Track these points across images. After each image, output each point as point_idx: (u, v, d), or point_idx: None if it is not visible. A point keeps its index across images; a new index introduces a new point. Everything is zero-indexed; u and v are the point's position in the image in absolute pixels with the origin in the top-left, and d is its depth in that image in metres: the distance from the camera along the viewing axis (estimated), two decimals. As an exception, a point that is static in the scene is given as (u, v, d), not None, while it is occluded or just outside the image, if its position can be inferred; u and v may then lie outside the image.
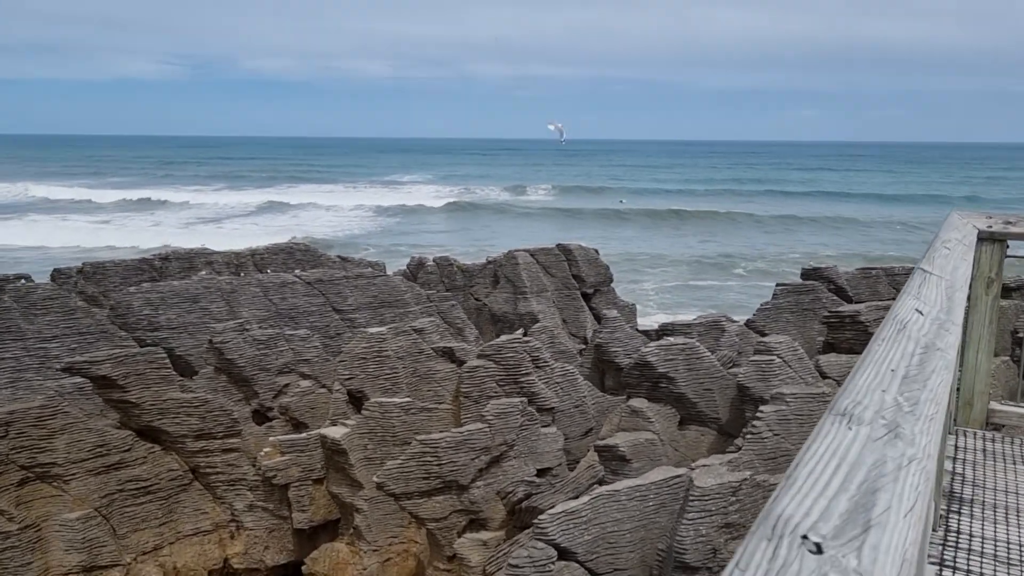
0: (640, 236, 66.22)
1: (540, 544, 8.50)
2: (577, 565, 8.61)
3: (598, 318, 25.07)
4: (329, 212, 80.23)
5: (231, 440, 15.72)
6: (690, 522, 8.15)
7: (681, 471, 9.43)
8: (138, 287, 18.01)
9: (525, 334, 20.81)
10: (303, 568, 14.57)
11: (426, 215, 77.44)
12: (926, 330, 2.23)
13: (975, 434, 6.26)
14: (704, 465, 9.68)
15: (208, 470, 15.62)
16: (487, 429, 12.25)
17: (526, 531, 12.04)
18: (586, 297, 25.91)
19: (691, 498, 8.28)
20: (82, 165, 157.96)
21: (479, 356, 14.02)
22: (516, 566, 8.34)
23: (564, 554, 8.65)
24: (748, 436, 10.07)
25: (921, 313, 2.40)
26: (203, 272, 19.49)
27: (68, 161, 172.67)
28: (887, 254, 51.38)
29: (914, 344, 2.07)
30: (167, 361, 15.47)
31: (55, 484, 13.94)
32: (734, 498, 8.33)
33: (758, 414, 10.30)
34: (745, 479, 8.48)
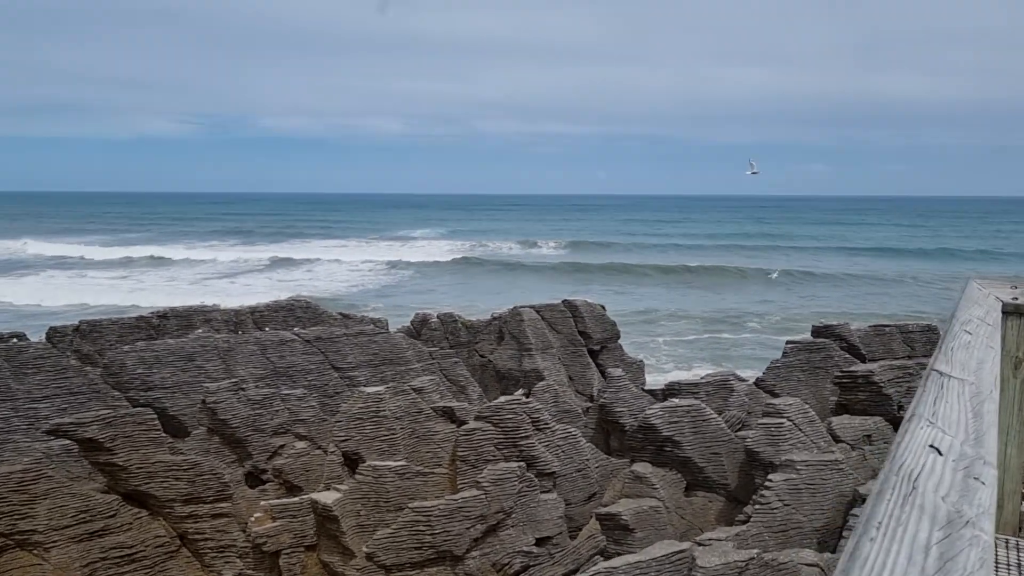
0: (652, 292, 65.82)
1: (532, 627, 7.90)
2: (573, 650, 7.99)
3: (605, 375, 24.53)
4: (340, 267, 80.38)
5: (221, 504, 15.15)
6: (693, 606, 7.56)
7: (685, 545, 8.84)
8: (132, 346, 17.68)
9: (529, 393, 20.28)
10: (292, 642, 13.85)
11: (436, 270, 77.44)
12: (947, 487, 1.56)
13: (1007, 543, 5.35)
14: (709, 540, 9.08)
15: (196, 536, 15.02)
16: (483, 496, 11.67)
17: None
18: (593, 354, 25.39)
19: (694, 578, 7.71)
20: (93, 221, 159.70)
21: (476, 418, 13.51)
22: (507, 652, 7.73)
23: (558, 638, 8.04)
24: (757, 507, 9.48)
25: (939, 452, 1.73)
26: (199, 330, 19.15)
27: (79, 218, 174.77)
28: (901, 312, 50.59)
29: (929, 524, 1.40)
30: (156, 422, 15.02)
31: (35, 552, 13.39)
32: (740, 578, 7.76)
33: (767, 483, 9.73)
34: (752, 558, 7.89)
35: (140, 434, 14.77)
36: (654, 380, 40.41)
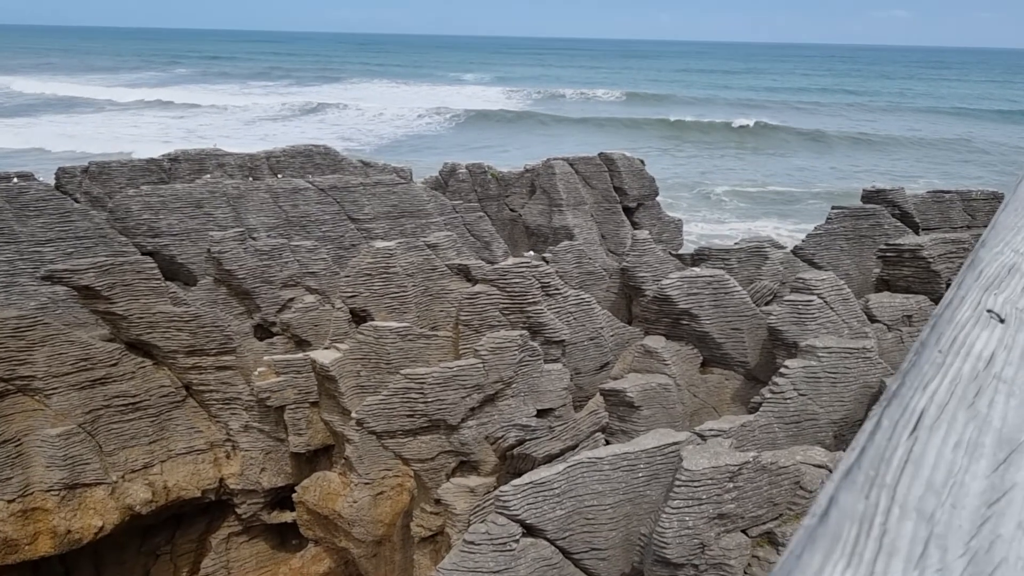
0: (705, 150, 62.96)
1: (502, 520, 7.26)
2: (547, 543, 7.38)
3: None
4: (381, 113, 78.23)
5: (225, 357, 14.85)
6: (675, 511, 6.77)
7: (681, 436, 8.00)
8: (138, 190, 16.98)
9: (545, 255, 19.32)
10: (293, 496, 13.81)
11: (483, 120, 74.84)
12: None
13: None
14: (710, 431, 8.20)
15: (202, 387, 14.84)
16: (480, 365, 10.93)
17: (530, 472, 10.85)
18: (628, 211, 24.10)
19: (678, 483, 6.88)
20: (104, 57, 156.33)
21: (481, 281, 12.62)
22: (472, 543, 7.15)
23: (532, 530, 7.41)
24: (768, 395, 8.53)
25: (1000, 319, 1.06)
26: (208, 176, 18.33)
27: (87, 53, 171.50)
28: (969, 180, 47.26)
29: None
30: (156, 271, 14.51)
31: (36, 398, 13.32)
32: (731, 484, 6.89)
33: (782, 370, 8.73)
34: (747, 462, 7.00)
35: (140, 283, 14.30)
36: (712, 231, 39.17)
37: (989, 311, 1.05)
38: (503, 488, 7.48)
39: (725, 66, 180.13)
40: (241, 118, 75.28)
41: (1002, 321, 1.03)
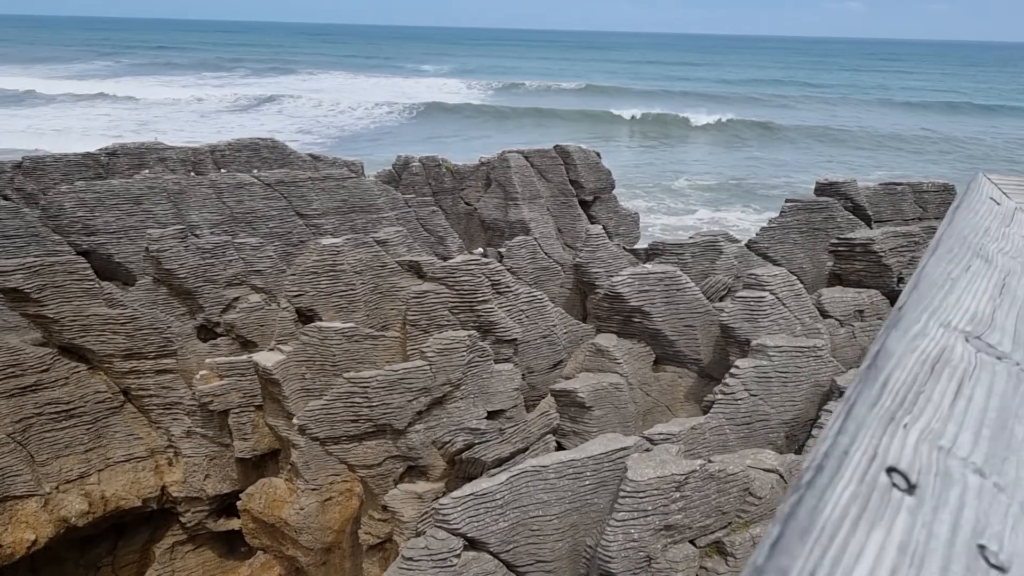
0: (663, 143, 63.13)
1: (441, 534, 6.93)
2: (490, 557, 7.07)
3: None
4: (337, 105, 77.05)
5: (165, 360, 14.27)
6: (619, 523, 6.50)
7: (629, 442, 7.74)
8: (72, 186, 16.26)
9: (491, 253, 19.00)
10: (238, 504, 13.32)
11: (440, 112, 74.12)
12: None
13: None
14: (659, 435, 7.94)
15: (141, 392, 14.26)
16: (427, 367, 10.57)
17: (471, 483, 10.53)
18: (585, 205, 23.86)
19: (622, 494, 6.61)
20: (49, 48, 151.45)
21: (429, 279, 12.24)
22: (411, 559, 6.80)
23: (474, 544, 7.09)
24: (719, 397, 8.30)
25: (908, 485, 0.61)
26: (146, 171, 17.64)
27: (32, 43, 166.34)
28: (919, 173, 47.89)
29: None
30: (90, 272, 13.87)
31: (-39, 407, 12.64)
32: (678, 494, 6.64)
33: (732, 370, 8.51)
34: (694, 471, 6.75)
35: (72, 284, 13.66)
36: (677, 222, 39.12)
37: (891, 470, 0.64)
38: (442, 501, 7.14)
39: (684, 58, 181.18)
40: (197, 110, 73.51)
41: (910, 490, 0.63)
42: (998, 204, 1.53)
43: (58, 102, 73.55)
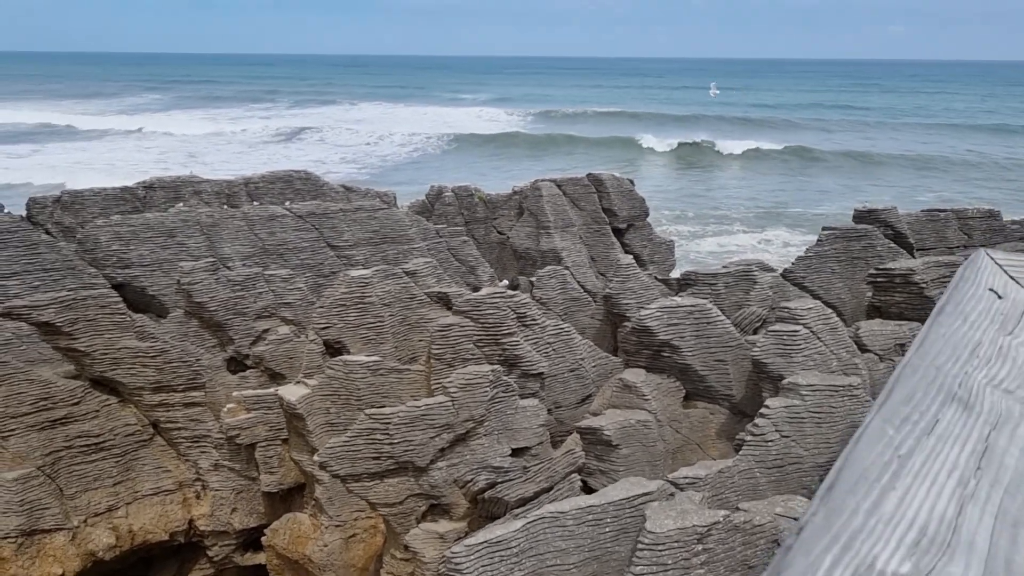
0: (699, 171, 62.68)
1: (453, 584, 6.67)
2: (504, 607, 6.79)
3: (632, 256, 22.79)
4: (378, 136, 77.98)
5: (193, 393, 14.30)
6: (637, 577, 6.19)
7: (652, 486, 7.42)
8: (108, 220, 16.51)
9: (523, 283, 18.82)
10: (262, 539, 13.20)
11: (480, 141, 74.53)
12: None
13: None
14: (684, 479, 7.61)
15: (169, 425, 14.29)
16: (449, 403, 10.36)
17: (495, 521, 10.26)
18: (618, 233, 23.58)
19: (641, 546, 6.29)
20: (99, 84, 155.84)
21: (455, 312, 12.07)
22: (422, 608, 6.55)
23: (487, 593, 6.83)
24: (749, 438, 7.94)
25: None
26: (180, 204, 17.85)
27: (83, 79, 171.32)
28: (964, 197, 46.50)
29: None
30: (122, 305, 14.00)
31: (-8, 440, 12.76)
32: (700, 547, 6.30)
33: (763, 410, 8.15)
34: (717, 522, 6.40)
35: (103, 318, 13.79)
36: (721, 243, 38.63)
37: None
38: (454, 549, 6.90)
39: (729, 82, 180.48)
40: (244, 140, 75.06)
41: None
42: (1000, 298, 1.20)
43: (110, 136, 75.65)
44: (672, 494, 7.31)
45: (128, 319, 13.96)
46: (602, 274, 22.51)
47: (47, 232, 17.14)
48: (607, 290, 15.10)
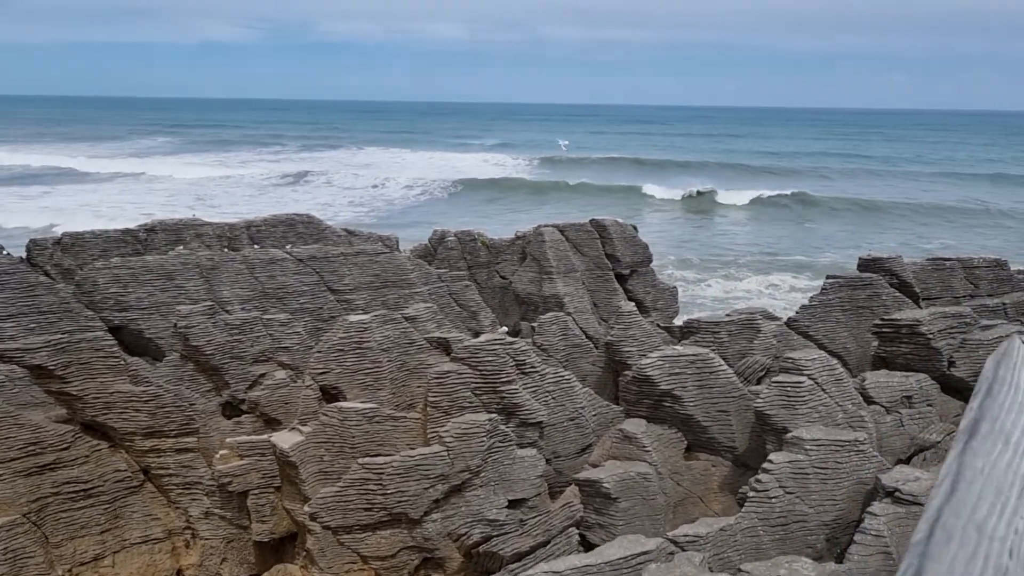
0: (704, 218, 62.78)
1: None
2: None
3: (635, 302, 22.60)
4: (385, 180, 78.46)
5: (186, 439, 14.03)
6: (633, 644, 5.89)
7: (651, 544, 7.13)
8: (106, 262, 16.43)
9: (514, 331, 18.62)
10: (252, 591, 12.82)
11: (485, 187, 74.91)
12: None
13: None
14: (684, 537, 7.31)
15: (160, 471, 14.00)
16: (444, 453, 10.10)
17: (490, 576, 9.94)
18: (621, 279, 23.42)
19: (635, 611, 6.02)
20: (109, 127, 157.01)
21: (453, 359, 11.87)
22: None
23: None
24: (751, 495, 7.67)
25: None
26: (181, 247, 17.79)
27: (93, 123, 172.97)
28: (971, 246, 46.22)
29: None
30: (116, 349, 13.83)
31: (-21, 486, 12.49)
32: (699, 611, 6.04)
33: (766, 465, 7.89)
34: (716, 584, 6.13)
35: (97, 361, 13.61)
36: (727, 289, 38.42)
37: None
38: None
39: (729, 129, 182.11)
40: (252, 183, 75.57)
41: None
42: None
43: (120, 179, 76.20)
44: (672, 553, 7.02)
45: (122, 363, 13.77)
46: (604, 320, 22.30)
47: (46, 274, 17.05)
48: (608, 337, 14.88)
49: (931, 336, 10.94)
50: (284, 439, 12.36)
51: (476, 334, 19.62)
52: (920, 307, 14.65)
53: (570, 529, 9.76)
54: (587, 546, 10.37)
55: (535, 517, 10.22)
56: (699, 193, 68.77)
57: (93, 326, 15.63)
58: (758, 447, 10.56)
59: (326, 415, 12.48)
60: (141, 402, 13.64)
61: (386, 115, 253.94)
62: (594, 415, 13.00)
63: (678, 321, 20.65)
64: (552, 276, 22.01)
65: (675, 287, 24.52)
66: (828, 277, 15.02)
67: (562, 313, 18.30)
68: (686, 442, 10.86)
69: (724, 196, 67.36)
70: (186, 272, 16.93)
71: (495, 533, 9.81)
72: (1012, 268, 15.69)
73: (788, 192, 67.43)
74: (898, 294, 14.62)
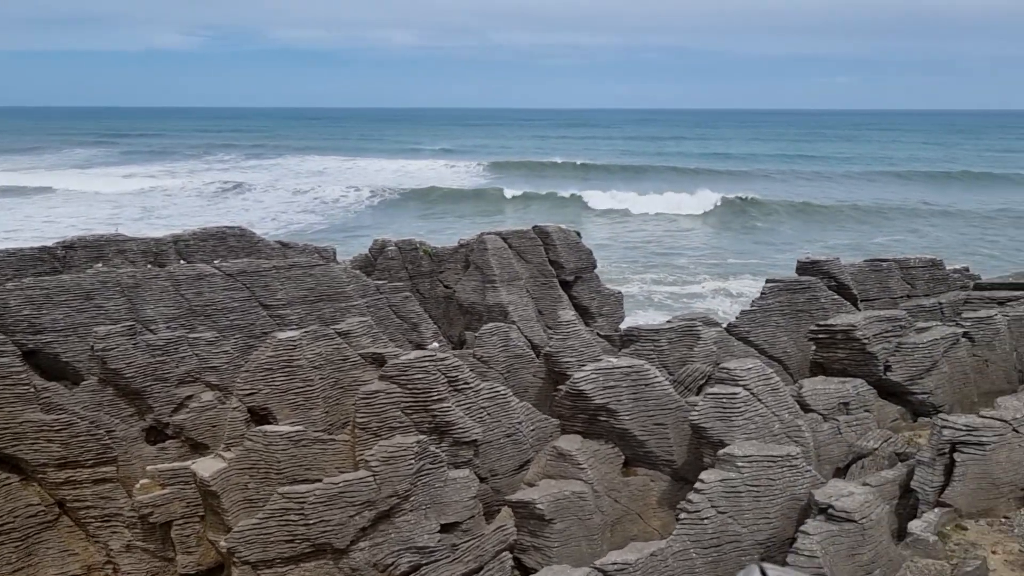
0: (656, 223, 63.05)
1: None
2: None
3: (580, 308, 22.31)
4: (328, 189, 77.14)
5: (103, 469, 13.27)
6: None
7: (578, 573, 6.73)
8: (18, 283, 15.54)
9: (470, 338, 18.18)
10: (175, 628, 12.13)
11: (435, 195, 74.08)
12: None
13: None
14: (612, 565, 6.95)
15: (77, 504, 13.21)
16: (371, 478, 9.60)
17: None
18: (566, 285, 23.10)
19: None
20: (39, 137, 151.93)
21: (381, 378, 11.37)
22: None
23: None
24: (682, 516, 7.34)
25: None
26: (100, 264, 16.95)
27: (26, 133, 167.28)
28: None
29: None
30: (24, 376, 13.01)
31: None
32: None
33: (697, 485, 7.58)
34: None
35: (4, 390, 12.78)
36: (682, 290, 38.45)
37: None
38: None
39: (679, 132, 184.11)
40: (196, 192, 73.85)
41: None
42: None
43: (43, 194, 73.24)
44: (597, 585, 6.65)
45: (32, 390, 12.97)
46: (549, 327, 21.96)
47: (-44, 296, 16.07)
48: (547, 348, 14.52)
49: (866, 341, 10.78)
50: (205, 467, 11.71)
51: (418, 346, 19.10)
52: (859, 308, 14.58)
53: (503, 554, 9.35)
54: (523, 570, 9.97)
55: (468, 542, 9.77)
56: (651, 195, 69.00)
57: (3, 351, 14.73)
58: (696, 460, 10.28)
59: (250, 439, 11.86)
60: (53, 431, 12.84)
61: (336, 122, 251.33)
62: (532, 430, 12.59)
63: (626, 325, 20.41)
64: (496, 284, 21.60)
65: (620, 292, 24.27)
66: (767, 281, 14.90)
67: (503, 324, 17.88)
68: (623, 457, 10.53)
69: (672, 199, 67.64)
70: (106, 291, 16.11)
71: (424, 561, 9.36)
72: (948, 267, 15.75)
73: (745, 195, 67.97)
74: (836, 297, 14.55)
